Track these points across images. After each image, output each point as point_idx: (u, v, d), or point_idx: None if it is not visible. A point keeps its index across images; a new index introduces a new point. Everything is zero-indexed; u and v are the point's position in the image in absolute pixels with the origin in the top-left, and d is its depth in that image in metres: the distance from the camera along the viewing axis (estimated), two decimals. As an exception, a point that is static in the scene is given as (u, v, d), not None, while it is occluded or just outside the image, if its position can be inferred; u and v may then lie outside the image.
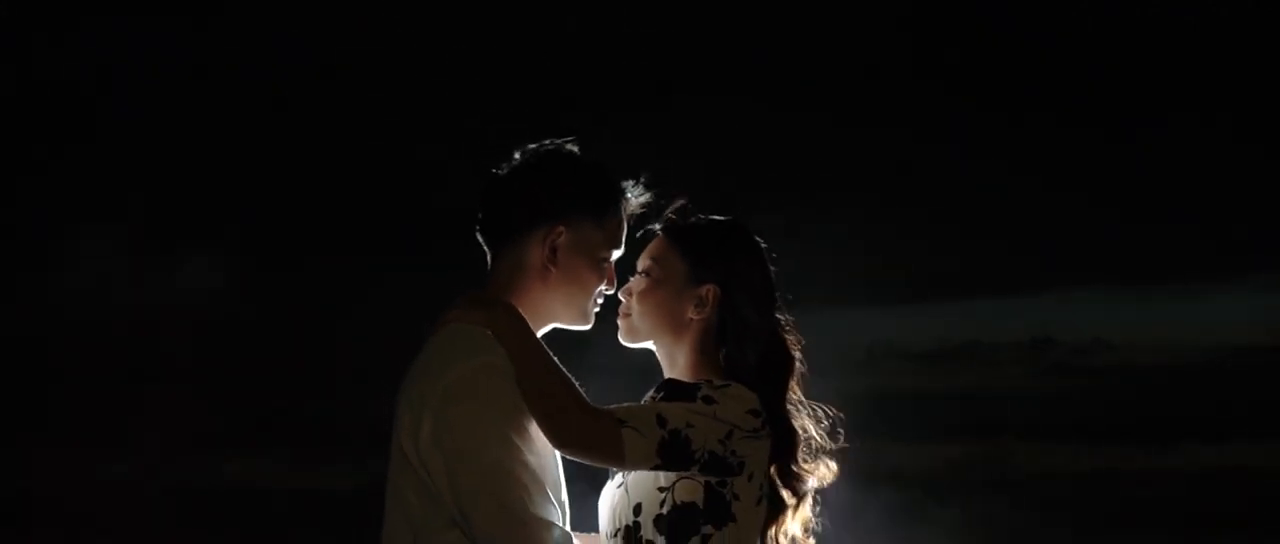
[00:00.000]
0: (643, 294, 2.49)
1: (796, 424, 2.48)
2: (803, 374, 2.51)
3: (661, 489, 2.36)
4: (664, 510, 2.36)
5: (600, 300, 2.45)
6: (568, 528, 2.32)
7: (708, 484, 2.35)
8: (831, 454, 2.53)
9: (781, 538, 2.46)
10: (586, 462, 2.30)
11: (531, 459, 2.21)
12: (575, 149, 2.43)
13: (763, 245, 2.55)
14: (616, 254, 2.45)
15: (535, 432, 2.24)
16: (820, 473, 2.49)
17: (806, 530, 2.50)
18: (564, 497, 2.35)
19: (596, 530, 2.49)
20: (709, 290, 2.47)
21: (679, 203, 2.55)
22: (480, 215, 2.40)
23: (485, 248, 2.42)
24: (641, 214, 2.50)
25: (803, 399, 2.50)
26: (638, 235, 2.55)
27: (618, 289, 2.49)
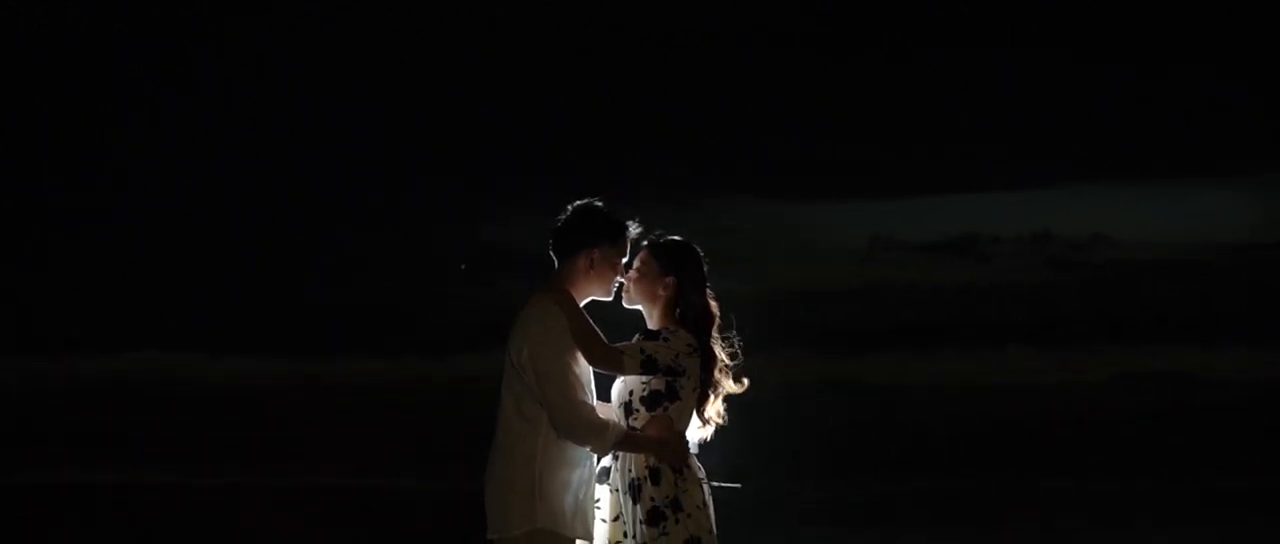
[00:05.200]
0: (634, 281, 4.88)
1: (715, 350, 4.86)
2: (720, 324, 4.88)
3: (644, 382, 4.77)
4: (645, 393, 4.77)
5: (616, 285, 4.81)
6: (593, 404, 4.70)
7: (667, 381, 4.75)
8: (745, 372, 4.91)
9: (704, 414, 4.85)
10: (605, 371, 4.70)
11: (577, 370, 4.65)
12: (600, 204, 4.78)
13: (701, 253, 4.90)
14: (625, 260, 4.82)
15: (580, 356, 4.64)
16: (730, 385, 4.87)
17: (719, 415, 4.88)
18: (593, 389, 4.74)
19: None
20: (671, 280, 4.84)
21: (657, 232, 4.90)
22: (551, 241, 4.77)
23: (553, 258, 4.79)
24: (636, 238, 4.86)
25: (718, 337, 4.87)
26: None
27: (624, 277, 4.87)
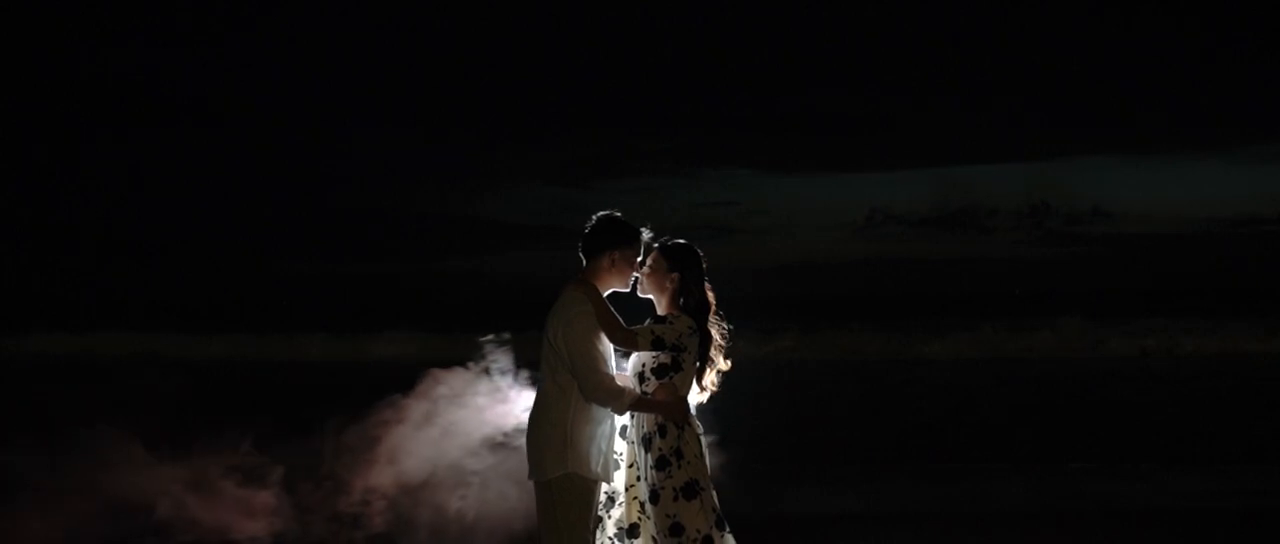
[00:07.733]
0: (647, 276, 6.23)
1: (712, 332, 6.22)
2: (715, 310, 6.24)
3: (654, 357, 6.12)
4: (654, 365, 6.13)
5: (632, 279, 6.18)
6: (613, 374, 6.07)
7: (672, 356, 6.11)
8: (738, 347, 6.28)
9: (702, 383, 6.21)
10: (623, 348, 6.07)
11: (602, 348, 6.00)
12: (619, 214, 6.14)
13: (701, 253, 6.25)
14: (640, 259, 6.18)
15: (603, 336, 6.00)
16: (723, 361, 6.23)
17: (713, 385, 6.24)
18: (613, 365, 6.09)
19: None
20: (676, 275, 6.20)
21: (666, 236, 6.26)
22: (581, 245, 6.12)
23: (582, 257, 6.15)
24: (649, 241, 6.21)
25: (714, 321, 6.24)
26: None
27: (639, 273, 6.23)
